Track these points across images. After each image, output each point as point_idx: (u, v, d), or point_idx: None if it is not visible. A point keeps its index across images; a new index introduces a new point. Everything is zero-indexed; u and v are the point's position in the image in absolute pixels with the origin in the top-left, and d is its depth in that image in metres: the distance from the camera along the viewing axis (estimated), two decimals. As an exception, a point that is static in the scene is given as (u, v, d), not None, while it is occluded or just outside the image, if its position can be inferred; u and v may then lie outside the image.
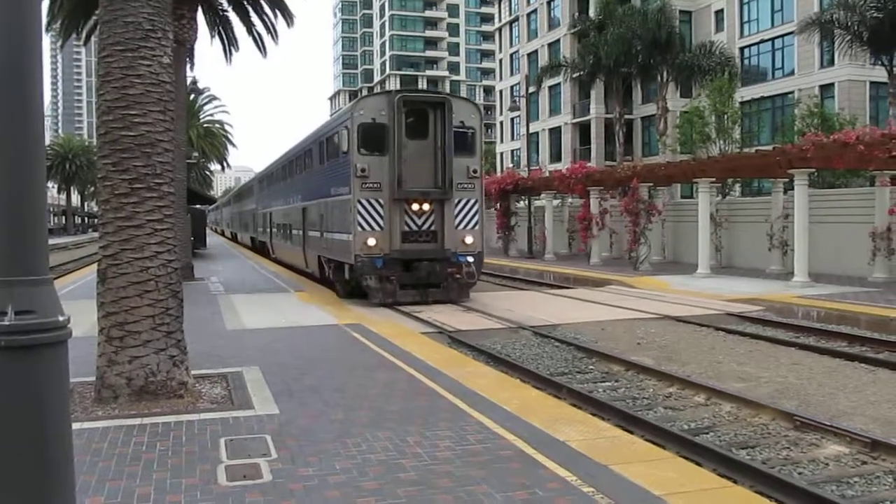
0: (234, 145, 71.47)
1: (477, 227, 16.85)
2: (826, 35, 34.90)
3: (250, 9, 22.61)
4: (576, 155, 57.86)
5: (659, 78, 42.70)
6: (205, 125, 62.97)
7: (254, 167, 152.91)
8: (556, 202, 33.48)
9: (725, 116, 34.63)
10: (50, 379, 2.88)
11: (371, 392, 7.57)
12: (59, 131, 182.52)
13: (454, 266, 16.47)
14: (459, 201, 16.58)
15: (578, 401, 8.46)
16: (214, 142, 64.69)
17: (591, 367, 10.79)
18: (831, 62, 41.28)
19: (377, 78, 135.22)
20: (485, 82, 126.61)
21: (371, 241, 15.91)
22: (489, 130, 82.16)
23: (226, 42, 24.19)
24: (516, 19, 73.76)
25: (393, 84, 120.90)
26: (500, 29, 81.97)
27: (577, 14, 58.64)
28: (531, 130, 54.22)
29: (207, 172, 75.24)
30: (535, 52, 66.76)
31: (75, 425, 5.36)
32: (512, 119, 75.28)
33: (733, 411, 8.16)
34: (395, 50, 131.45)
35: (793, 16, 42.63)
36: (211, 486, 4.94)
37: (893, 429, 7.42)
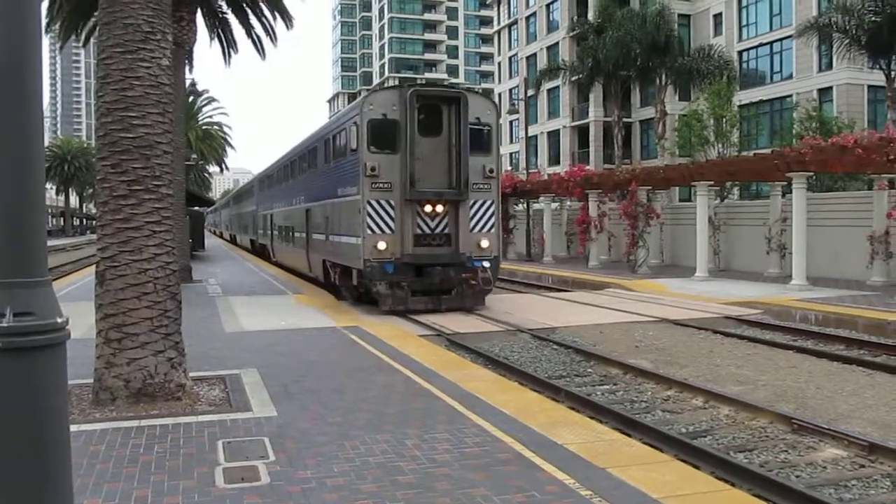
0: (232, 147, 71.59)
1: (493, 231, 15.99)
2: (824, 39, 34.97)
3: (249, 11, 22.64)
4: (574, 158, 57.89)
5: (657, 81, 42.77)
6: (203, 127, 63.00)
7: (252, 169, 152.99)
8: (554, 205, 33.50)
9: (724, 120, 34.67)
10: (48, 381, 2.88)
11: (369, 395, 7.57)
12: (58, 133, 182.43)
13: (469, 271, 15.57)
14: (475, 203, 15.73)
15: (576, 404, 8.46)
16: (213, 144, 64.72)
17: (589, 370, 10.79)
18: (830, 66, 41.35)
19: (376, 80, 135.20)
20: (483, 85, 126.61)
21: (381, 245, 15.03)
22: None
23: (225, 44, 24.20)
24: (515, 22, 73.83)
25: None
26: (498, 32, 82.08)
27: (575, 17, 58.69)
28: (530, 133, 54.28)
29: (206, 174, 75.34)
30: (534, 55, 66.84)
31: (73, 427, 5.36)
32: (510, 122, 75.35)
33: (731, 414, 8.17)
34: (395, 53, 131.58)
35: (791, 20, 42.72)
36: (209, 488, 4.94)
37: (891, 432, 7.42)
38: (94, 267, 7.60)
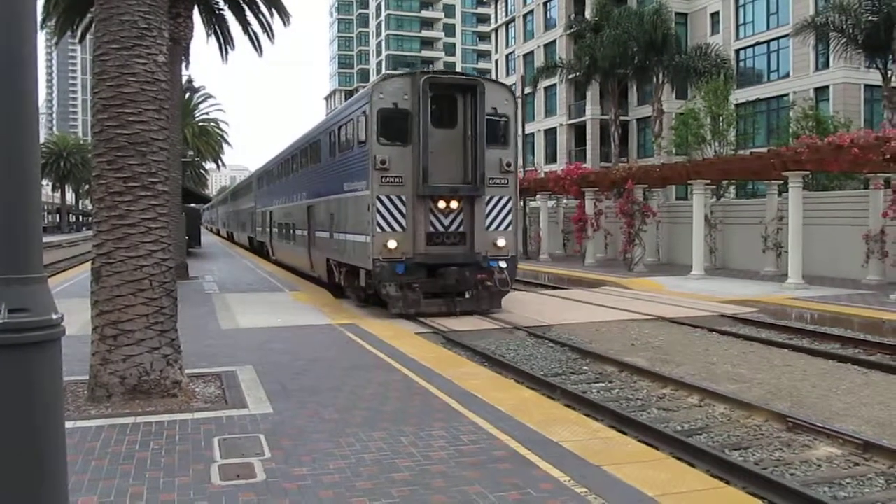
0: (229, 144, 71.38)
1: (510, 229, 15.09)
2: (821, 38, 34.98)
3: (246, 7, 22.62)
4: (571, 156, 57.94)
5: (654, 80, 42.78)
6: (200, 124, 62.88)
7: (249, 166, 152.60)
8: (551, 203, 33.51)
9: (721, 118, 34.70)
10: (43, 377, 2.87)
11: (365, 392, 7.57)
12: (54, 129, 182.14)
13: (485, 272, 14.67)
14: (491, 199, 14.82)
15: (572, 401, 8.47)
16: (210, 140, 64.61)
17: (585, 367, 10.80)
18: (826, 65, 41.42)
19: (373, 78, 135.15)
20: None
21: (392, 244, 14.09)
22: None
23: (222, 41, 24.18)
24: (513, 20, 73.76)
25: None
26: (496, 30, 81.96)
27: (573, 15, 58.68)
28: (527, 131, 54.19)
29: (202, 171, 75.25)
30: (531, 52, 66.81)
31: (68, 424, 5.36)
32: (508, 120, 75.15)
33: (727, 412, 8.19)
34: (392, 50, 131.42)
35: (788, 18, 42.75)
36: (204, 485, 4.94)
37: (885, 430, 7.44)
38: (89, 263, 7.59)
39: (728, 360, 11.12)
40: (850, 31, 30.95)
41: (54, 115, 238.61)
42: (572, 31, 54.50)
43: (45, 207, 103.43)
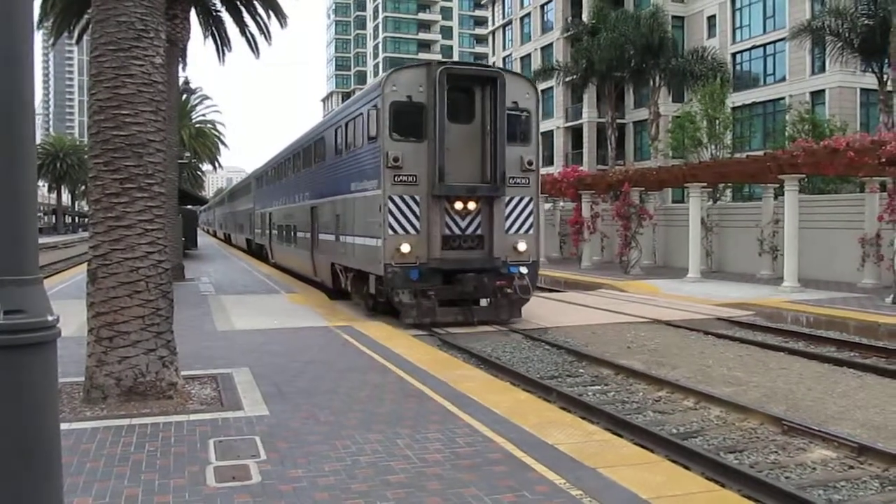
0: (226, 146, 71.40)
1: (531, 232, 14.26)
2: (817, 42, 35.12)
3: (243, 9, 22.61)
4: (568, 159, 57.96)
5: (651, 83, 42.84)
6: (197, 125, 62.84)
7: (246, 168, 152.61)
8: (547, 206, 33.52)
9: (717, 122, 34.78)
10: (38, 378, 2.87)
11: (361, 394, 7.57)
12: (51, 130, 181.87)
13: (504, 278, 13.80)
14: (511, 200, 13.98)
15: (568, 404, 8.48)
16: (206, 142, 64.54)
17: (581, 370, 10.81)
18: (822, 69, 41.53)
19: (370, 80, 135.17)
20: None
21: (405, 248, 13.22)
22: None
23: (219, 42, 24.16)
24: (510, 23, 73.84)
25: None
26: (493, 32, 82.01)
27: (570, 18, 58.74)
28: (524, 134, 54.20)
29: (199, 173, 75.10)
30: (528, 55, 66.89)
31: (63, 426, 5.34)
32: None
33: (722, 415, 8.20)
34: (389, 52, 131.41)
35: (784, 22, 42.85)
36: (200, 487, 4.93)
37: (880, 434, 7.46)
38: (85, 265, 7.58)
39: (724, 363, 11.13)
40: (846, 35, 31.06)
41: (51, 116, 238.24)
42: (569, 33, 54.55)
43: (41, 208, 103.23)
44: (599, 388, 9.74)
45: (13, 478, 2.80)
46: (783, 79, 44.76)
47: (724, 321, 15.00)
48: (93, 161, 7.24)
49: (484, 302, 14.36)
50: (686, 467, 6.04)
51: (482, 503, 4.68)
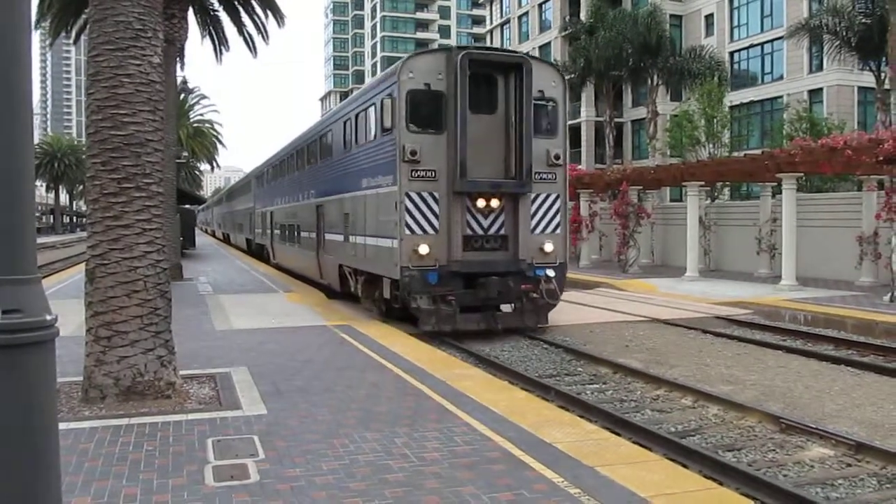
0: (223, 145, 71.37)
1: (559, 231, 13.31)
2: (815, 40, 35.14)
3: (241, 9, 22.59)
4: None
5: (649, 82, 42.86)
6: (194, 125, 62.80)
7: (244, 167, 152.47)
8: (546, 204, 33.47)
9: (715, 120, 34.79)
10: (37, 378, 2.88)
11: (359, 393, 7.57)
12: (48, 130, 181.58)
13: (530, 282, 12.86)
14: (537, 197, 13.02)
15: (566, 403, 8.49)
16: (204, 141, 64.52)
17: (579, 369, 10.82)
18: (820, 67, 41.55)
19: (368, 79, 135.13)
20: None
21: (423, 249, 12.24)
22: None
23: (216, 42, 24.15)
24: (507, 22, 73.81)
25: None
26: (491, 31, 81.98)
27: (568, 17, 58.74)
28: (522, 133, 54.23)
29: (197, 172, 75.08)
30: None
31: (62, 425, 5.35)
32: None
33: (720, 414, 8.21)
34: (387, 51, 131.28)
35: (782, 21, 42.88)
36: (198, 486, 4.94)
37: (878, 431, 7.48)
38: (83, 264, 7.58)
39: (722, 361, 11.15)
40: (844, 33, 31.09)
41: (48, 116, 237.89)
42: (567, 32, 54.57)
43: (39, 208, 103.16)
44: (598, 386, 9.75)
45: (12, 477, 2.81)
46: (781, 77, 44.79)
47: (722, 320, 15.02)
48: (91, 161, 7.24)
49: (507, 307, 13.39)
50: (684, 465, 6.05)
51: (480, 502, 4.68)
